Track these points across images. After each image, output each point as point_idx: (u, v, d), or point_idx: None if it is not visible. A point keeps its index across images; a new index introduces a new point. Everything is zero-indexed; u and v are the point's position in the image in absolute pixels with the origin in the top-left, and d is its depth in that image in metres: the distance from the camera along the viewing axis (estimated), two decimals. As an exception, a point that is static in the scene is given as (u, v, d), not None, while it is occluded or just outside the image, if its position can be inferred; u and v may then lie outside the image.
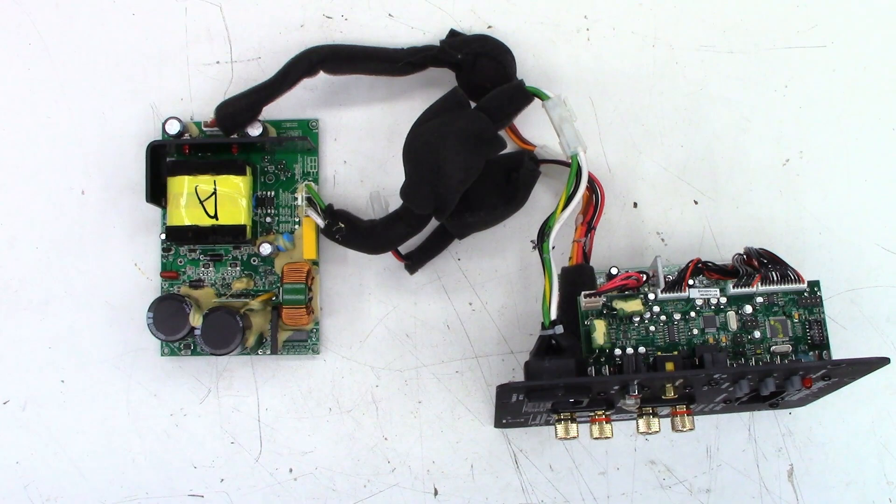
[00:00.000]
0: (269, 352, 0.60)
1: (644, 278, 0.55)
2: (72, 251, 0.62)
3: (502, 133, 0.57)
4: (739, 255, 0.56)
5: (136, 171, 0.62)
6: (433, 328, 0.61)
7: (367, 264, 0.62)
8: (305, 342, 0.61)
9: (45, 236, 0.62)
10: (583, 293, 0.54)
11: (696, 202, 0.62)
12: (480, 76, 0.59)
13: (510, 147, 0.59)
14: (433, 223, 0.57)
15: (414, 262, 0.60)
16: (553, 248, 0.55)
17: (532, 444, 0.61)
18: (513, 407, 0.54)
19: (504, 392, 0.51)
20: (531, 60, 0.62)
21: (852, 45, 0.62)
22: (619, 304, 0.54)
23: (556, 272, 0.53)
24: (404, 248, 0.59)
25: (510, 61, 0.60)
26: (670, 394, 0.51)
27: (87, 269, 0.62)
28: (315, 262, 0.61)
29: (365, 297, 0.62)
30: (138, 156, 0.61)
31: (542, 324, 0.53)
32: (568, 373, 0.52)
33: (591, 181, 0.57)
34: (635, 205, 0.62)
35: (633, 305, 0.54)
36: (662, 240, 0.61)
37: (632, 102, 0.62)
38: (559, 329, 0.53)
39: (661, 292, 0.54)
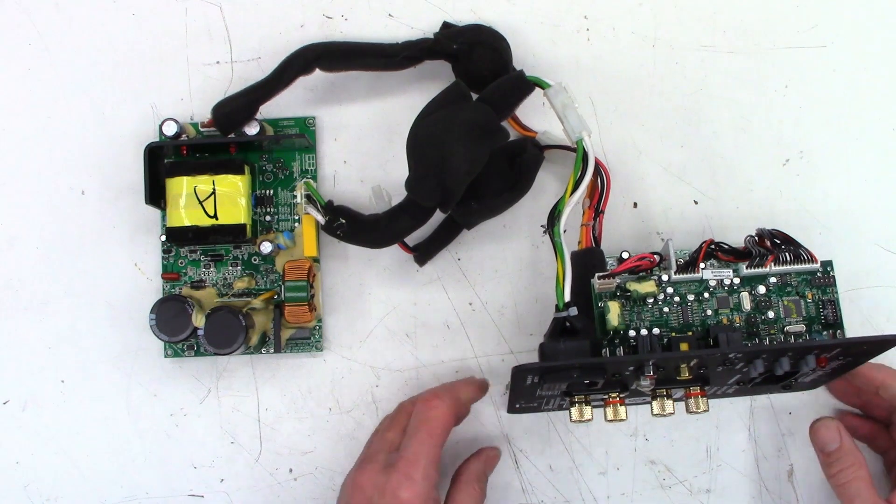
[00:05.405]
0: (272, 350, 0.60)
1: (657, 259, 0.55)
2: (72, 251, 0.62)
3: (504, 123, 0.56)
4: (751, 236, 0.56)
5: (135, 172, 0.61)
6: (433, 328, 0.61)
7: (368, 263, 0.62)
8: (308, 339, 0.61)
9: (45, 236, 0.62)
10: (596, 275, 0.54)
11: (696, 202, 0.62)
12: (477, 65, 0.58)
13: (512, 135, 0.59)
14: (440, 214, 0.57)
15: (422, 253, 0.59)
16: (564, 231, 0.54)
17: (532, 444, 0.61)
18: (527, 390, 0.53)
19: (519, 374, 0.50)
20: (531, 60, 0.62)
21: (852, 45, 0.62)
22: (632, 286, 0.54)
23: (567, 255, 0.53)
24: (411, 240, 0.59)
25: (506, 48, 0.59)
26: (685, 374, 0.51)
27: (87, 270, 0.62)
28: (316, 260, 0.61)
29: (365, 297, 0.62)
30: (138, 156, 0.61)
31: (556, 306, 0.53)
32: (583, 354, 0.51)
33: (597, 165, 0.57)
34: (635, 205, 0.62)
35: (647, 287, 0.54)
36: (662, 240, 0.61)
37: (632, 102, 0.62)
38: (573, 311, 0.52)
39: (675, 273, 0.54)
